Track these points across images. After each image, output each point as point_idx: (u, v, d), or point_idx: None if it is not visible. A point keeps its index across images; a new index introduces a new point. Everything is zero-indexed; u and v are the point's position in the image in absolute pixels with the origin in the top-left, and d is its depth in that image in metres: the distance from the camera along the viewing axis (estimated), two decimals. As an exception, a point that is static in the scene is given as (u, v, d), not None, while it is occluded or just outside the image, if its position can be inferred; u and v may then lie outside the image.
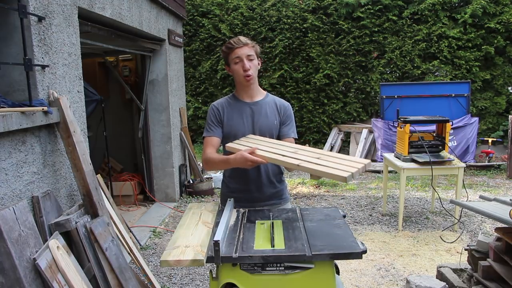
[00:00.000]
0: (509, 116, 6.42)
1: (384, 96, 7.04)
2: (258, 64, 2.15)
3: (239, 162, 1.89)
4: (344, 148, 8.53)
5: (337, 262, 1.89)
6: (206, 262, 1.55)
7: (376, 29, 8.14)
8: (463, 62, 7.80)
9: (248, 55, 2.07)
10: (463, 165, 4.17)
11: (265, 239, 1.71)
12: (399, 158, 4.35)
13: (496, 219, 2.14)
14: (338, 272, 1.89)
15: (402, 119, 4.37)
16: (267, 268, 1.59)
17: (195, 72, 9.27)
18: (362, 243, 1.62)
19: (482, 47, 7.67)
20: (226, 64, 2.17)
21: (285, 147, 1.99)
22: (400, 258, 3.63)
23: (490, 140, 7.21)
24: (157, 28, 4.95)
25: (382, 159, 5.07)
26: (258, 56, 2.14)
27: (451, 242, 3.83)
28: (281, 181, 2.30)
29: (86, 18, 3.23)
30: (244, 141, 2.07)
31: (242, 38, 2.11)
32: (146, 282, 2.89)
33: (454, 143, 6.82)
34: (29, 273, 1.84)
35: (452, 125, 5.46)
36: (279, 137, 2.23)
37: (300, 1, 8.70)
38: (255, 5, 8.77)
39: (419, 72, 8.05)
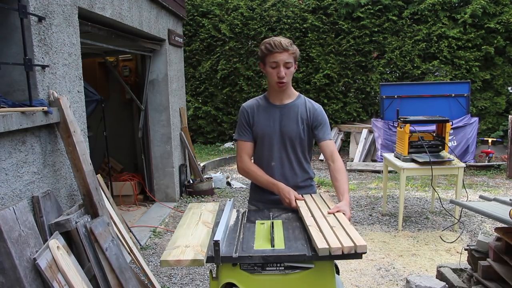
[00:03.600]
0: (509, 116, 6.42)
1: (384, 96, 7.04)
2: (294, 68, 2.11)
3: (281, 193, 2.05)
4: (344, 148, 8.53)
5: (337, 262, 1.89)
6: (206, 262, 1.55)
7: (376, 29, 8.15)
8: (463, 62, 7.80)
9: (286, 62, 2.02)
10: (463, 165, 4.17)
11: (265, 239, 1.71)
12: (399, 158, 4.35)
13: (496, 219, 2.14)
14: (338, 272, 1.89)
15: (402, 119, 4.37)
16: (267, 268, 1.59)
17: (195, 72, 9.27)
18: (362, 243, 1.61)
19: (482, 47, 7.67)
20: (261, 61, 2.13)
21: (320, 211, 1.90)
22: (400, 258, 3.64)
23: (490, 140, 7.21)
24: (157, 28, 4.95)
25: (382, 159, 5.07)
26: (296, 61, 2.09)
27: (451, 242, 3.83)
28: (310, 185, 2.26)
29: (86, 18, 3.23)
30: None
31: (284, 41, 2.01)
32: (146, 282, 2.89)
33: (454, 143, 6.82)
34: (29, 273, 1.84)
35: (452, 125, 5.46)
36: (317, 141, 2.19)
37: (300, 1, 8.70)
38: (255, 5, 8.77)
39: (419, 72, 8.06)
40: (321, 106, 2.23)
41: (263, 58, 2.08)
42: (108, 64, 5.50)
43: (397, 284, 3.19)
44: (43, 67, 2.42)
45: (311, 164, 2.29)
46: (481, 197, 2.80)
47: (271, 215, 2.02)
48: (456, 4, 7.97)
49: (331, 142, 2.18)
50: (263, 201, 2.22)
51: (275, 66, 2.03)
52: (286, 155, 2.16)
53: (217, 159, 7.73)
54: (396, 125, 4.49)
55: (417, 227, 4.36)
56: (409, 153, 4.25)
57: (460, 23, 7.76)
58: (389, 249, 3.84)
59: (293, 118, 2.14)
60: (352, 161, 7.58)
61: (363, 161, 7.45)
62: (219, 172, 6.40)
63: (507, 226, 2.18)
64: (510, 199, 2.38)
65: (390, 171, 5.78)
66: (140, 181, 5.58)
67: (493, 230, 2.73)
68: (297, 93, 2.22)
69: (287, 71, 2.05)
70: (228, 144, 9.16)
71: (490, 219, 4.14)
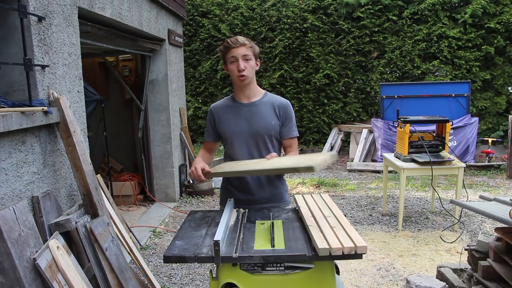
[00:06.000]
0: (509, 116, 6.42)
1: (384, 96, 7.04)
2: (256, 64, 2.13)
3: (192, 166, 2.09)
4: (344, 148, 8.53)
5: (337, 262, 1.89)
6: (206, 262, 1.55)
7: (376, 29, 8.14)
8: (463, 62, 7.80)
9: (244, 55, 2.06)
10: (463, 165, 4.17)
11: (265, 239, 1.71)
12: (399, 158, 4.35)
13: (496, 219, 2.14)
14: (338, 272, 1.89)
15: (402, 119, 4.37)
16: (267, 268, 1.59)
17: (195, 72, 9.27)
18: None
19: (482, 47, 7.66)
20: (224, 63, 2.17)
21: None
22: (400, 258, 3.63)
23: (490, 140, 7.21)
24: (157, 28, 4.95)
25: (382, 159, 5.07)
26: (256, 57, 2.12)
27: (451, 242, 3.83)
28: (282, 182, 2.28)
29: (86, 18, 3.23)
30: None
31: (240, 38, 2.09)
32: (146, 282, 2.89)
33: (454, 143, 6.82)
34: (29, 273, 1.84)
35: (452, 125, 5.46)
36: (280, 138, 2.23)
37: (300, 1, 8.70)
38: (255, 5, 8.77)
39: (419, 72, 8.05)
40: (288, 102, 2.24)
41: (223, 57, 2.13)
42: (108, 64, 5.50)
43: (397, 284, 3.18)
44: (43, 67, 2.42)
45: None
46: (481, 197, 2.79)
47: (271, 215, 2.03)
48: (456, 4, 7.96)
49: (295, 140, 2.25)
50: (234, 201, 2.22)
51: (234, 60, 2.07)
52: (258, 152, 2.16)
53: (217, 159, 7.70)
54: (396, 125, 4.49)
55: (417, 227, 4.36)
56: (409, 153, 4.25)
57: (460, 23, 7.75)
58: (389, 249, 3.84)
59: (264, 115, 2.15)
60: (352, 161, 7.58)
61: (363, 161, 7.45)
62: (219, 172, 6.40)
63: (507, 226, 2.18)
64: (510, 199, 2.38)
65: (390, 171, 5.78)
66: (140, 181, 5.58)
67: (493, 230, 2.72)
68: (263, 91, 2.24)
69: (247, 64, 2.07)
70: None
71: (490, 219, 4.14)
